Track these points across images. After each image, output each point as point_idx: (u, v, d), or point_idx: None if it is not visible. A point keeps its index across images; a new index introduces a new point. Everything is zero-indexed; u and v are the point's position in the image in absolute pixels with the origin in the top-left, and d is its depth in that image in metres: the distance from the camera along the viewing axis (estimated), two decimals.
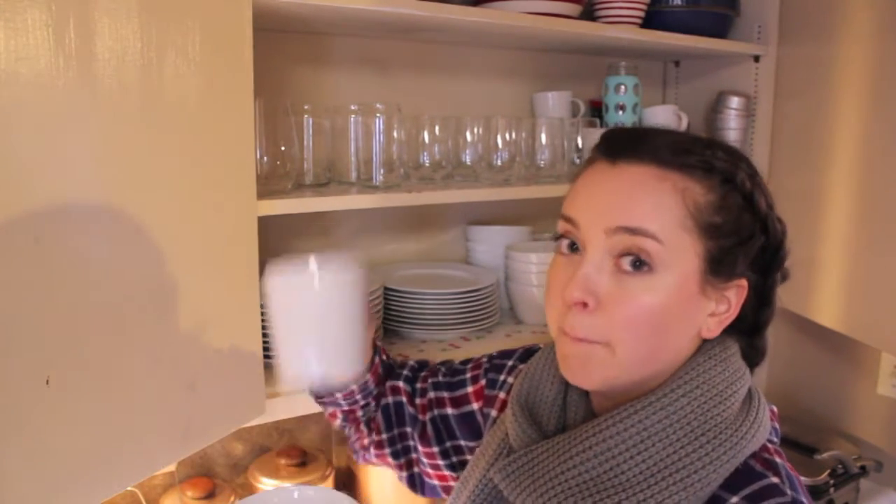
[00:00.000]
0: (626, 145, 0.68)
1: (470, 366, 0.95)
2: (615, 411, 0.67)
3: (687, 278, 0.66)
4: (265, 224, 1.04)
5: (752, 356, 0.76)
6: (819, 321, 1.63)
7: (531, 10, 1.35)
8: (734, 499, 0.63)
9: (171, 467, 1.33)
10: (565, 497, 0.66)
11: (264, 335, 1.07)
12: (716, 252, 0.66)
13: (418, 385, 0.97)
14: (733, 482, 0.64)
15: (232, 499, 1.36)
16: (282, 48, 1.36)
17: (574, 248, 0.69)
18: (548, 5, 1.37)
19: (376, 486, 1.49)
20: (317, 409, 1.10)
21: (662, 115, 1.70)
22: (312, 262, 0.77)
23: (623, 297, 0.65)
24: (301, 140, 1.20)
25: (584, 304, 0.66)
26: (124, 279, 0.85)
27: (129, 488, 1.23)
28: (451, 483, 0.92)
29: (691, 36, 1.60)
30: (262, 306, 1.07)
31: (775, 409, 0.77)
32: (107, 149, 0.82)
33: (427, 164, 1.35)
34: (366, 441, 0.97)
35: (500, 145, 1.39)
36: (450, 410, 0.93)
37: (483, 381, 0.92)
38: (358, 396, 0.94)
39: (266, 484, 1.39)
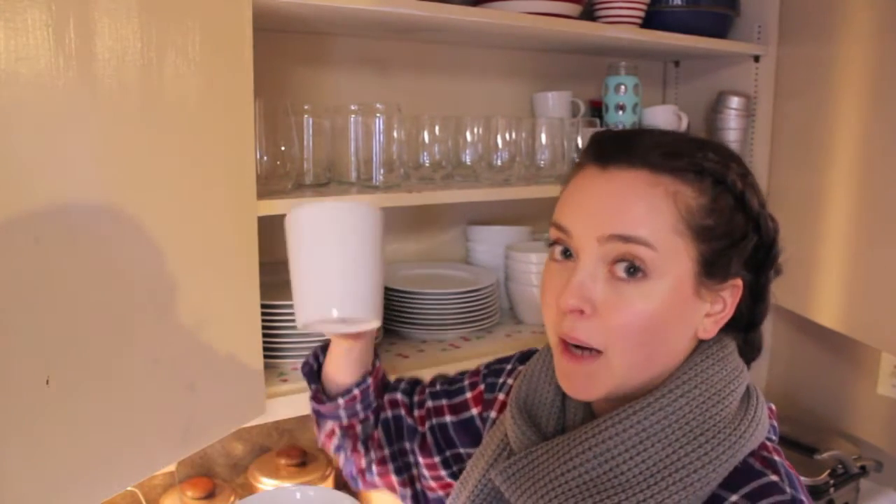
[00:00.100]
0: (616, 149, 0.68)
1: (468, 374, 0.96)
2: (614, 412, 0.68)
3: (681, 282, 0.66)
4: (265, 224, 1.04)
5: (749, 352, 0.76)
6: (819, 321, 1.63)
7: (531, 10, 1.35)
8: (734, 497, 0.63)
9: (171, 467, 1.33)
10: (566, 498, 0.66)
11: (264, 335, 1.08)
12: (709, 254, 0.66)
13: (416, 398, 0.97)
14: (733, 481, 0.64)
15: (232, 499, 1.36)
16: (282, 48, 1.36)
17: (567, 254, 0.69)
18: (548, 5, 1.37)
19: None
20: None
21: (662, 115, 1.70)
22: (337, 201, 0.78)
23: (618, 303, 0.65)
24: (301, 140, 1.20)
25: (581, 312, 0.66)
26: (124, 279, 0.85)
27: (129, 488, 1.23)
28: None
29: (691, 36, 1.60)
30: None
31: (773, 407, 0.77)
32: (107, 149, 0.82)
33: (427, 164, 1.35)
34: (363, 462, 0.95)
35: (500, 145, 1.39)
36: (448, 418, 0.93)
37: (482, 386, 0.92)
38: (359, 407, 0.92)
39: (266, 484, 1.39)
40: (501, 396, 0.90)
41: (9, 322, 0.73)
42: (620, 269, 0.65)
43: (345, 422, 0.94)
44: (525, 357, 0.90)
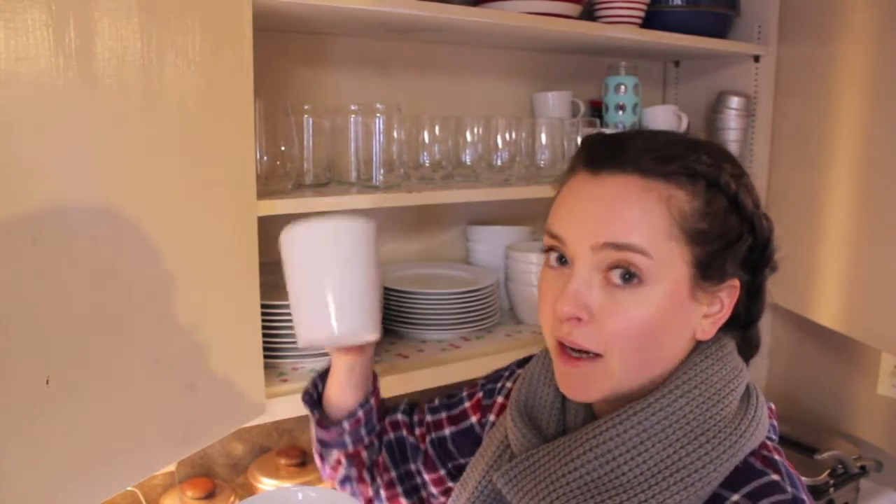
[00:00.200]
0: (607, 155, 0.67)
1: (466, 387, 0.96)
2: (615, 413, 0.68)
3: (677, 286, 0.66)
4: (265, 224, 1.04)
5: (747, 349, 0.76)
6: (819, 321, 1.63)
7: (531, 10, 1.35)
8: (735, 497, 0.63)
9: (171, 467, 1.33)
10: (567, 499, 0.66)
11: (264, 335, 1.08)
12: (704, 257, 0.66)
13: (416, 417, 0.97)
14: (734, 480, 0.64)
15: (232, 499, 1.36)
16: (282, 48, 1.36)
17: (562, 260, 0.69)
18: (548, 5, 1.37)
19: None
20: None
21: (662, 115, 1.70)
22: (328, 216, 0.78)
23: (615, 310, 0.65)
24: (301, 140, 1.20)
25: (578, 319, 0.66)
26: (124, 279, 0.85)
27: (129, 488, 1.23)
28: None
29: (691, 36, 1.60)
30: (262, 304, 1.07)
31: (773, 406, 0.77)
32: (106, 149, 0.82)
33: (427, 164, 1.35)
34: (370, 491, 0.95)
35: (500, 145, 1.39)
36: (447, 431, 0.93)
37: (480, 394, 0.93)
38: (363, 431, 0.92)
39: (266, 484, 1.39)
40: (500, 399, 0.90)
41: (9, 322, 0.73)
42: (616, 276, 0.65)
43: (350, 449, 0.93)
44: (524, 362, 0.90)
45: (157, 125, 0.87)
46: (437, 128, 1.35)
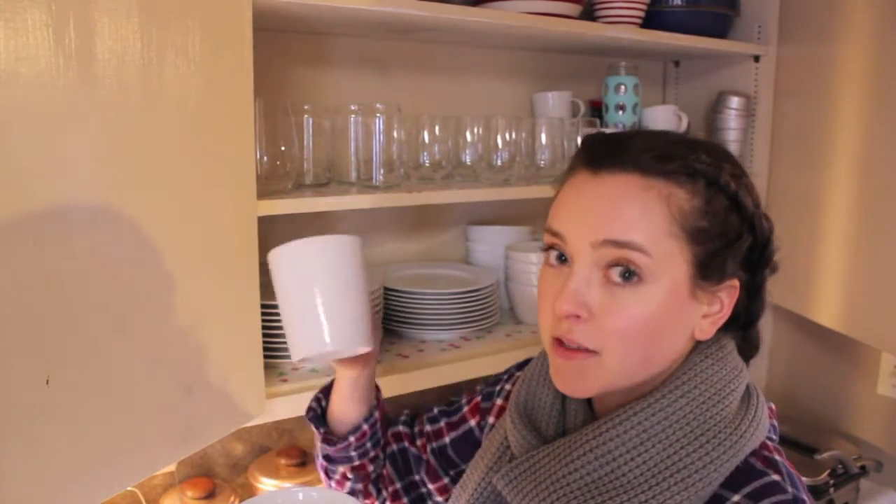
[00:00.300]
0: (608, 153, 0.67)
1: (465, 393, 0.96)
2: (614, 414, 0.68)
3: (677, 285, 0.66)
4: (265, 224, 1.04)
5: (747, 350, 0.76)
6: (819, 321, 1.63)
7: (531, 10, 1.35)
8: (736, 497, 0.63)
9: (171, 467, 1.33)
10: (568, 501, 0.66)
11: (264, 335, 1.08)
12: (704, 256, 0.66)
13: (416, 428, 0.97)
14: (734, 481, 0.64)
15: (232, 499, 1.36)
16: (282, 48, 1.36)
17: (562, 259, 0.69)
18: (548, 5, 1.37)
19: None
20: None
21: (662, 115, 1.70)
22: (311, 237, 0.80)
23: (614, 308, 0.65)
24: (301, 140, 1.20)
25: (577, 316, 0.66)
26: (124, 279, 0.85)
27: (129, 488, 1.23)
28: None
29: (691, 36, 1.60)
30: (262, 304, 1.06)
31: (773, 406, 0.77)
32: (107, 149, 0.82)
33: (427, 164, 1.35)
34: None
35: (500, 145, 1.39)
36: (447, 438, 0.93)
37: (478, 398, 0.93)
38: (368, 444, 0.92)
39: (266, 484, 1.38)
40: (499, 402, 0.90)
41: (9, 322, 0.73)
42: (615, 274, 0.65)
43: (356, 462, 0.93)
44: (523, 365, 0.90)
45: (157, 125, 0.87)
46: (437, 128, 1.35)
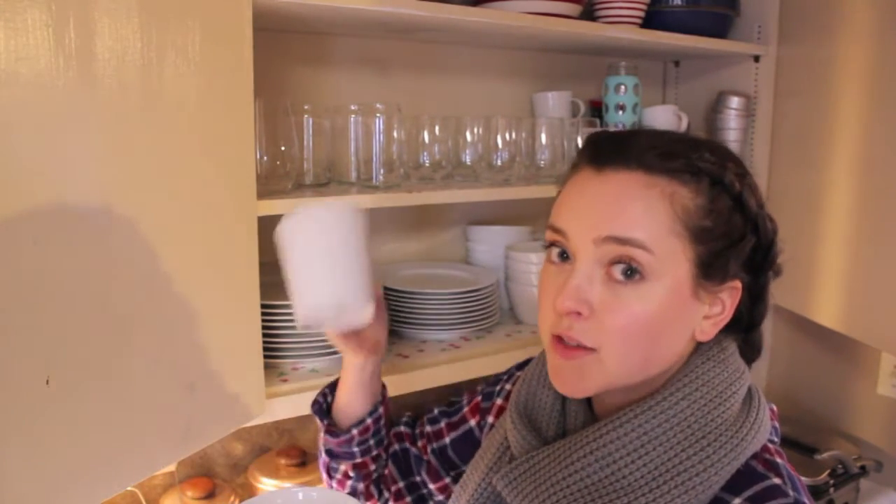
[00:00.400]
0: (612, 151, 0.67)
1: (466, 393, 0.96)
2: (615, 416, 0.67)
3: (679, 284, 0.65)
4: (265, 224, 1.04)
5: (749, 353, 0.76)
6: (819, 321, 1.63)
7: (531, 10, 1.35)
8: (736, 501, 0.63)
9: (171, 467, 1.33)
10: (567, 502, 0.65)
11: (264, 335, 1.08)
12: (707, 256, 0.66)
13: (417, 429, 0.98)
14: (735, 484, 0.64)
15: (232, 499, 1.36)
16: (282, 48, 1.36)
17: (564, 256, 0.69)
18: (548, 5, 1.37)
19: None
20: None
21: (662, 115, 1.70)
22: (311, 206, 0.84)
23: (615, 305, 0.65)
24: (301, 140, 1.20)
25: (578, 314, 0.66)
26: (124, 279, 0.85)
27: (129, 488, 1.23)
28: None
29: (691, 36, 1.60)
30: (264, 309, 1.06)
31: (775, 407, 0.77)
32: (106, 149, 0.82)
33: (427, 164, 1.35)
34: None
35: (500, 145, 1.39)
36: (447, 439, 0.93)
37: (478, 398, 0.93)
38: (371, 441, 0.92)
39: (266, 484, 1.38)
40: (499, 402, 0.90)
41: (9, 322, 0.73)
42: (617, 272, 0.65)
43: (358, 459, 0.93)
44: (523, 365, 0.90)
45: (157, 125, 0.87)
46: (437, 128, 1.35)
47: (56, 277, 0.77)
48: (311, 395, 0.97)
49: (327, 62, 1.44)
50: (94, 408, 0.82)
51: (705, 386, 0.68)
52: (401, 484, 0.96)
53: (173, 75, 0.87)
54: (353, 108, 1.24)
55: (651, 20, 1.60)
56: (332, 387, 0.95)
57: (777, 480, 0.64)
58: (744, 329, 0.74)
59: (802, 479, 0.69)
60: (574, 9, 1.42)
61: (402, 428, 0.98)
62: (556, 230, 0.69)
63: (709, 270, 0.66)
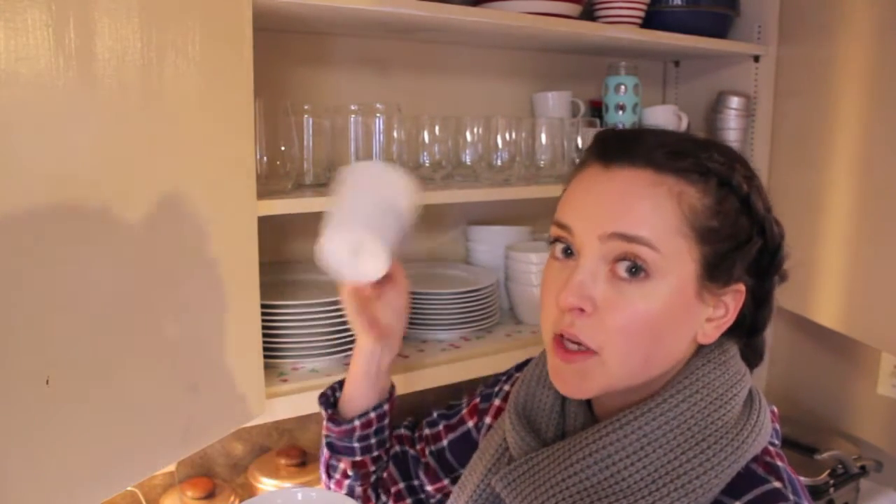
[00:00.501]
0: (620, 148, 0.67)
1: (465, 396, 0.96)
2: (615, 417, 0.67)
3: (684, 284, 0.65)
4: (265, 224, 1.04)
5: (751, 358, 0.75)
6: (819, 321, 1.63)
7: (531, 10, 1.35)
8: None
9: (171, 467, 1.33)
10: None
11: (264, 335, 1.08)
12: (713, 257, 0.65)
13: (417, 433, 0.98)
14: (736, 487, 0.64)
15: (232, 499, 1.36)
16: (282, 48, 1.36)
17: (568, 252, 0.68)
18: (548, 5, 1.37)
19: None
20: (316, 408, 1.10)
21: (662, 115, 1.70)
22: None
23: (619, 303, 0.65)
24: (301, 140, 1.19)
25: (581, 310, 0.65)
26: (124, 279, 0.85)
27: (129, 488, 1.23)
28: None
29: (691, 36, 1.60)
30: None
31: (776, 409, 0.76)
32: (107, 149, 0.82)
33: (427, 164, 1.35)
34: None
35: (500, 145, 1.39)
36: (445, 441, 0.93)
37: (477, 400, 0.93)
38: (373, 440, 0.92)
39: (266, 484, 1.38)
40: (497, 402, 0.89)
41: (9, 322, 0.73)
42: (622, 269, 0.65)
43: (358, 457, 0.93)
44: (522, 366, 0.90)
45: (157, 125, 0.87)
46: (437, 128, 1.35)
47: (56, 277, 0.77)
48: (311, 395, 0.97)
49: (327, 62, 1.44)
50: (94, 408, 0.82)
51: (706, 388, 0.67)
52: (401, 485, 0.96)
53: (173, 75, 0.87)
54: (353, 108, 1.24)
55: (651, 20, 1.60)
56: (342, 384, 0.96)
57: (777, 484, 0.64)
58: (746, 333, 0.73)
59: (802, 479, 0.69)
60: (574, 9, 1.42)
61: (403, 430, 0.99)
62: (562, 226, 0.68)
63: (714, 272, 0.66)
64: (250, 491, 1.40)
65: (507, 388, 0.89)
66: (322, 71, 1.43)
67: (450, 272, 1.53)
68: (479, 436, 0.90)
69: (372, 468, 0.94)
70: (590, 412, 0.75)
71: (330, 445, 0.94)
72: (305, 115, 1.21)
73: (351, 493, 0.95)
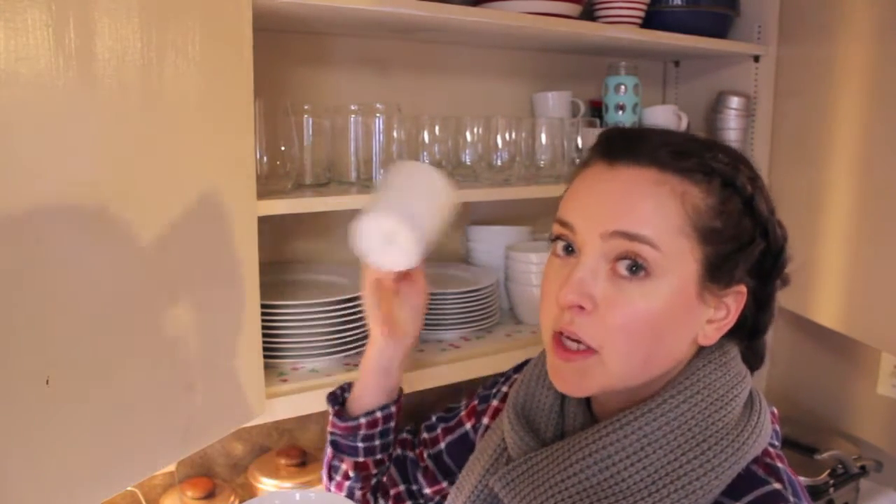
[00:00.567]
0: (624, 147, 0.67)
1: (464, 398, 0.96)
2: (615, 418, 0.67)
3: (685, 284, 0.65)
4: (265, 224, 1.04)
5: (751, 360, 0.75)
6: (819, 321, 1.63)
7: (531, 10, 1.35)
8: None
9: (171, 467, 1.33)
10: None
11: (264, 335, 1.08)
12: (715, 258, 0.65)
13: (417, 437, 0.98)
14: (736, 488, 0.64)
15: (232, 499, 1.36)
16: (282, 48, 1.36)
17: (569, 250, 0.68)
18: (548, 5, 1.37)
19: None
20: (316, 408, 1.10)
21: (662, 115, 1.70)
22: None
23: (619, 301, 0.64)
24: (301, 140, 1.19)
25: (581, 308, 0.65)
26: (124, 279, 0.85)
27: (129, 488, 1.23)
28: None
29: (691, 36, 1.60)
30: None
31: (776, 410, 0.76)
32: (107, 149, 0.82)
33: None
34: None
35: (500, 145, 1.39)
36: (442, 444, 0.93)
37: (475, 401, 0.93)
38: (377, 442, 0.92)
39: (266, 484, 1.38)
40: (495, 403, 0.89)
41: (9, 322, 0.73)
42: (623, 267, 0.64)
43: (361, 457, 0.92)
44: (521, 367, 0.89)
45: (157, 125, 0.87)
46: (437, 128, 1.35)
47: (56, 277, 0.77)
48: (311, 395, 0.97)
49: (327, 62, 1.44)
50: (94, 408, 0.82)
51: (706, 389, 0.67)
52: (401, 488, 0.96)
53: (173, 75, 0.87)
54: (353, 108, 1.24)
55: (651, 20, 1.60)
56: (351, 386, 0.95)
57: (778, 485, 0.64)
58: (747, 336, 0.73)
59: (802, 479, 0.68)
60: (574, 9, 1.42)
61: (404, 434, 0.99)
62: (564, 223, 0.68)
63: (716, 273, 0.66)
64: (250, 491, 1.40)
65: (504, 389, 0.89)
66: (322, 71, 1.43)
67: (450, 272, 1.53)
68: (474, 438, 0.90)
69: (374, 471, 0.94)
70: (589, 412, 0.74)
71: (334, 444, 0.94)
72: (305, 115, 1.21)
73: (351, 496, 0.94)
